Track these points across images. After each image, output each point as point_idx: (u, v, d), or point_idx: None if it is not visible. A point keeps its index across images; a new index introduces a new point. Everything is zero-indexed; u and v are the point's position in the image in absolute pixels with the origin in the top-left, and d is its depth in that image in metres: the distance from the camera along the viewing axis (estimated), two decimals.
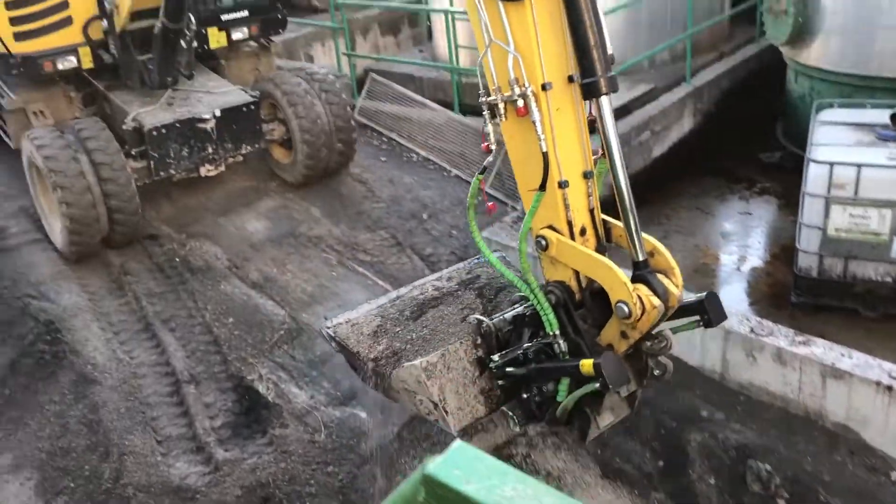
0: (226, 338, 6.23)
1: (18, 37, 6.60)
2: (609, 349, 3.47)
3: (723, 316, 3.52)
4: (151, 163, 6.68)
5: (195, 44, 6.90)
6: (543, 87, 3.30)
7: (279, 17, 7.76)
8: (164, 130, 6.62)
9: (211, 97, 7.08)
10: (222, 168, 7.17)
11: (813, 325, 6.38)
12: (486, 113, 3.47)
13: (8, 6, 6.53)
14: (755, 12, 10.82)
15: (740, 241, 8.58)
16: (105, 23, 6.68)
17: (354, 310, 4.40)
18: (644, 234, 3.49)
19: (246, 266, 7.07)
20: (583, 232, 3.53)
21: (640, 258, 3.44)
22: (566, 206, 3.44)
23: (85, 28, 6.72)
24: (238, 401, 5.78)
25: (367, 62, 10.71)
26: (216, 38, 7.30)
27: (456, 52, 9.42)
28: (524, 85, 3.26)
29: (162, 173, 6.80)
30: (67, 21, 6.67)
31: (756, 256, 8.28)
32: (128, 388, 5.81)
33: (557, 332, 3.50)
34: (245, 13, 7.36)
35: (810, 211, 6.69)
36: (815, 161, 6.65)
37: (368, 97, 9.61)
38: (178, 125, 6.68)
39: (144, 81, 7.00)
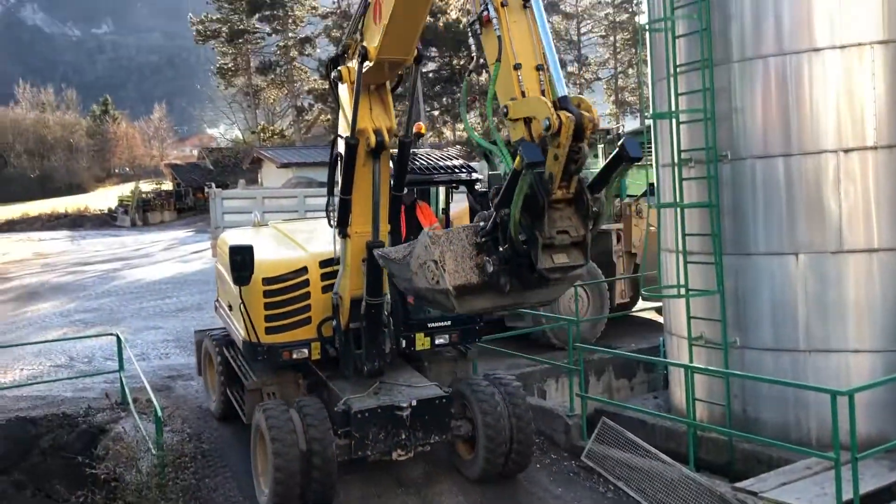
0: None
1: (269, 330, 7.96)
2: (551, 178, 4.53)
3: (638, 152, 4.49)
4: (353, 442, 7.35)
5: (394, 331, 7.97)
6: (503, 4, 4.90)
7: (477, 328, 8.67)
8: (367, 414, 7.35)
9: (410, 390, 7.79)
10: (411, 454, 7.65)
11: None
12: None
13: (266, 306, 7.96)
14: None
15: None
16: (334, 322, 7.91)
17: None
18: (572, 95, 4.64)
19: None
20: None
21: (561, 94, 4.65)
22: (519, 81, 4.77)
23: (319, 326, 8.02)
24: None
25: (599, 403, 10.71)
26: (421, 342, 8.32)
27: (693, 405, 9.15)
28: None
29: (360, 453, 7.40)
30: (307, 320, 8.04)
31: None
32: None
33: (513, 168, 4.59)
34: (448, 322, 8.39)
35: None
36: None
37: (598, 441, 9.40)
38: (379, 411, 7.39)
39: (357, 370, 7.91)
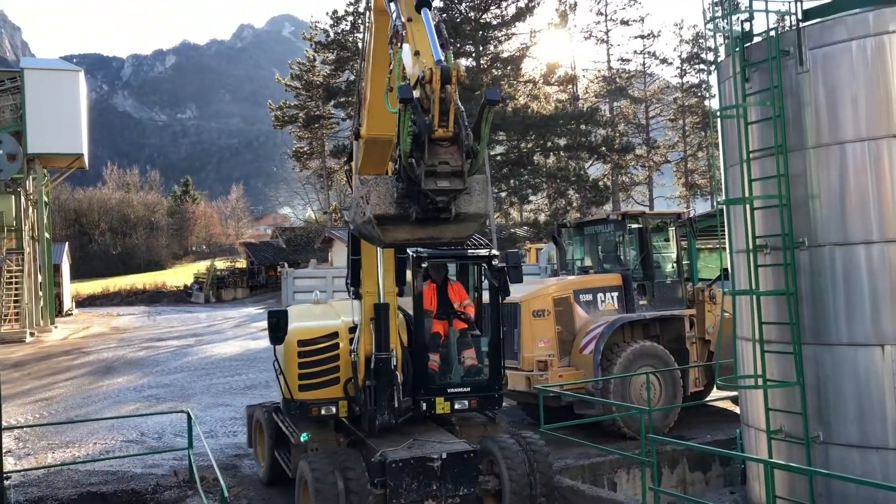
0: None
1: (301, 388, 8.86)
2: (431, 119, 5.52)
3: (496, 96, 5.69)
4: (388, 491, 7.98)
5: (403, 388, 8.64)
6: None
7: (496, 395, 9.25)
8: (401, 464, 8.04)
9: (441, 445, 8.55)
10: None
11: None
12: None
13: (300, 366, 8.88)
14: None
15: None
16: (353, 380, 8.67)
17: None
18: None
19: None
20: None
21: (437, 59, 5.77)
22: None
23: (344, 385, 8.81)
24: None
25: (673, 497, 10.25)
26: (441, 406, 8.93)
27: (774, 502, 8.67)
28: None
29: (394, 501, 8.00)
30: (336, 380, 8.87)
31: None
32: None
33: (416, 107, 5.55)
34: (467, 389, 9.07)
35: None
36: None
37: None
38: (412, 461, 8.09)
39: (372, 425, 8.54)
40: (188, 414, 10.85)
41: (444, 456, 8.18)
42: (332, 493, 7.78)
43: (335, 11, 55.46)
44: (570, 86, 53.59)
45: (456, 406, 9.02)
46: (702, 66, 60.55)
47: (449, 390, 9.04)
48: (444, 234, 6.16)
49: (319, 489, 7.80)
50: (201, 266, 65.40)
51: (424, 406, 8.83)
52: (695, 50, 61.33)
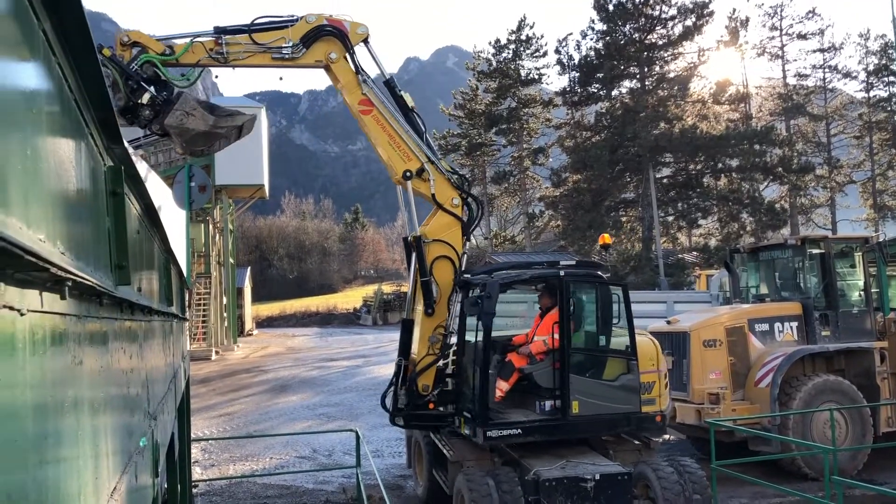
0: None
1: None
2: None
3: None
4: None
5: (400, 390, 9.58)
6: None
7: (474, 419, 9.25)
8: (554, 483, 8.11)
9: (595, 467, 8.51)
10: None
11: None
12: None
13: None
14: None
15: None
16: None
17: None
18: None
19: None
20: None
21: None
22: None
23: None
24: None
25: None
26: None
27: None
28: None
29: None
30: None
31: None
32: None
33: None
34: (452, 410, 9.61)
35: None
36: None
37: None
38: (565, 481, 8.15)
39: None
40: (356, 433, 11.23)
41: (597, 477, 8.20)
42: None
43: (497, 40, 56.33)
44: (742, 104, 51.24)
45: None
46: (891, 78, 56.06)
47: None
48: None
49: (475, 500, 7.98)
50: (369, 290, 67.88)
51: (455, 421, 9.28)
52: (883, 62, 56.87)
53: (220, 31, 8.93)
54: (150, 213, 3.73)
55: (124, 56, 8.53)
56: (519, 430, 8.63)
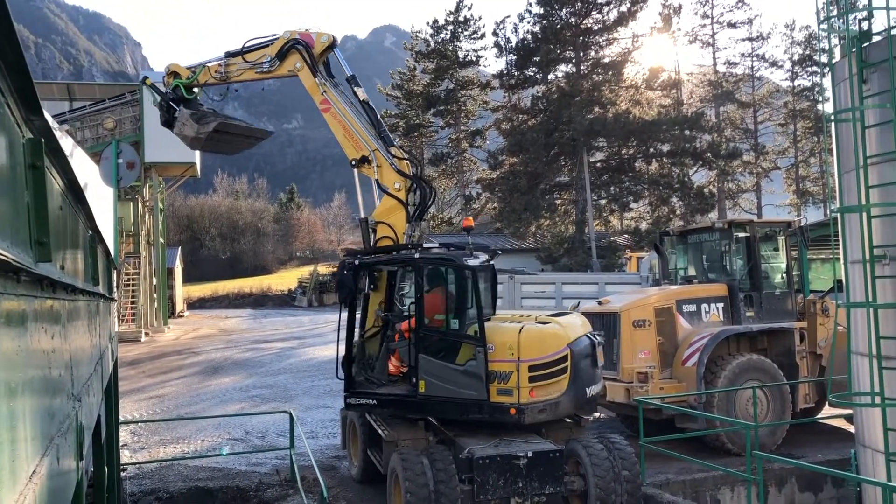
0: None
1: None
2: None
3: None
4: (475, 487, 8.25)
5: None
6: None
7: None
8: (487, 461, 8.30)
9: (527, 445, 8.74)
10: (528, 503, 8.48)
11: None
12: None
13: None
14: None
15: None
16: None
17: None
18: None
19: None
20: None
21: None
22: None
23: None
24: None
25: None
26: None
27: None
28: None
29: (481, 496, 8.28)
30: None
31: None
32: None
33: None
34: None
35: None
36: None
37: None
38: (498, 459, 8.33)
39: None
40: (290, 415, 11.16)
41: (529, 454, 8.41)
42: (422, 483, 8.10)
43: (435, 21, 56.05)
44: (673, 90, 52.26)
45: None
46: (815, 68, 57.94)
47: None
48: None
49: (409, 478, 8.12)
50: (305, 271, 67.26)
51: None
52: (807, 52, 58.73)
53: (228, 55, 11.17)
54: (75, 189, 3.60)
55: (168, 82, 11.33)
56: (375, 402, 9.34)
